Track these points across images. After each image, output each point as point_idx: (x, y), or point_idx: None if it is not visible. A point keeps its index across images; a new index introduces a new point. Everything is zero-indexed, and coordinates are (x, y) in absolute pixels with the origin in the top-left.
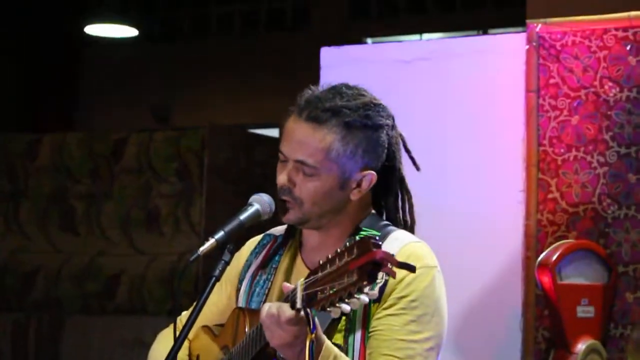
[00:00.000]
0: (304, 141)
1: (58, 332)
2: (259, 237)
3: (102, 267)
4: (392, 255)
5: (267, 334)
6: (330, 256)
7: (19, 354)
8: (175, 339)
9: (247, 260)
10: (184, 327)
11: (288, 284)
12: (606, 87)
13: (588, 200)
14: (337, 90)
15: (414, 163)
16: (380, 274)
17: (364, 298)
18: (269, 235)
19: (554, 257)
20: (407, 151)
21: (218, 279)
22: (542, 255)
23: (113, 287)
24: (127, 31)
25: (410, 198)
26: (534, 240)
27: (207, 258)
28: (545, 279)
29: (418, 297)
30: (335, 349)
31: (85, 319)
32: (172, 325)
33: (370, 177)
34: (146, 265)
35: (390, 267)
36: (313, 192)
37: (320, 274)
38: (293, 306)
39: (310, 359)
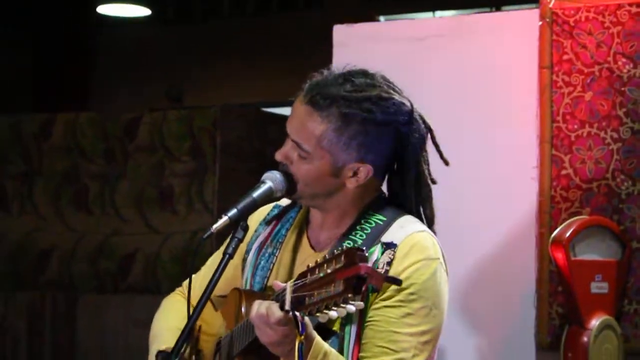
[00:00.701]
0: (301, 124)
1: (73, 311)
2: (269, 207)
3: (116, 246)
4: (377, 271)
5: (257, 332)
6: (318, 261)
7: (34, 333)
8: (189, 316)
9: (255, 231)
10: (197, 304)
11: (279, 283)
12: (620, 63)
13: (602, 176)
14: (347, 77)
15: (442, 157)
16: (386, 258)
17: (350, 308)
18: (279, 206)
19: (568, 234)
20: (435, 145)
21: (232, 257)
22: (555, 232)
23: (127, 266)
24: (140, 11)
25: (429, 191)
26: (548, 216)
27: (221, 236)
28: (559, 255)
29: (417, 290)
30: (326, 346)
31: (100, 297)
32: (175, 294)
33: (366, 170)
34: (160, 244)
35: (377, 282)
36: (305, 174)
37: (308, 278)
38: (282, 307)
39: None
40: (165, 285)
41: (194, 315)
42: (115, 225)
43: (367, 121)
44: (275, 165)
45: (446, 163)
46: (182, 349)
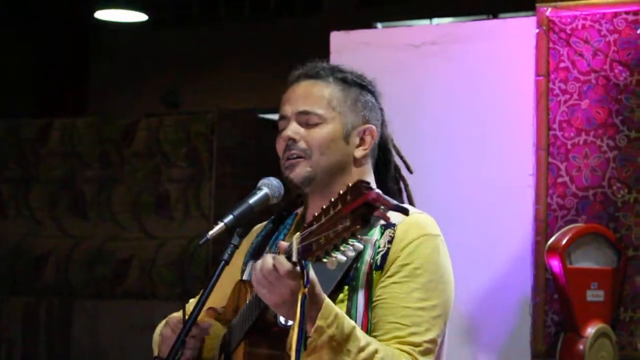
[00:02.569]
0: (305, 94)
1: (68, 316)
2: (265, 222)
3: (112, 252)
4: (386, 198)
5: (263, 293)
6: (324, 207)
7: (30, 338)
8: (184, 322)
9: (252, 244)
10: (193, 310)
11: (284, 242)
12: (616, 71)
13: (598, 184)
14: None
15: (406, 164)
16: (386, 237)
17: (358, 245)
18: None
19: (564, 241)
20: (397, 151)
21: (227, 263)
22: (551, 240)
23: (123, 271)
24: (137, 16)
25: (407, 185)
26: (544, 224)
27: (217, 242)
28: (555, 263)
29: (422, 264)
30: (336, 308)
31: (96, 303)
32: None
33: (371, 130)
34: (156, 250)
35: (384, 210)
36: (320, 139)
37: (315, 225)
38: (289, 259)
39: (302, 314)
40: (161, 291)
41: (189, 321)
42: (111, 230)
43: (362, 87)
44: (272, 171)
45: (410, 170)
46: (178, 355)
